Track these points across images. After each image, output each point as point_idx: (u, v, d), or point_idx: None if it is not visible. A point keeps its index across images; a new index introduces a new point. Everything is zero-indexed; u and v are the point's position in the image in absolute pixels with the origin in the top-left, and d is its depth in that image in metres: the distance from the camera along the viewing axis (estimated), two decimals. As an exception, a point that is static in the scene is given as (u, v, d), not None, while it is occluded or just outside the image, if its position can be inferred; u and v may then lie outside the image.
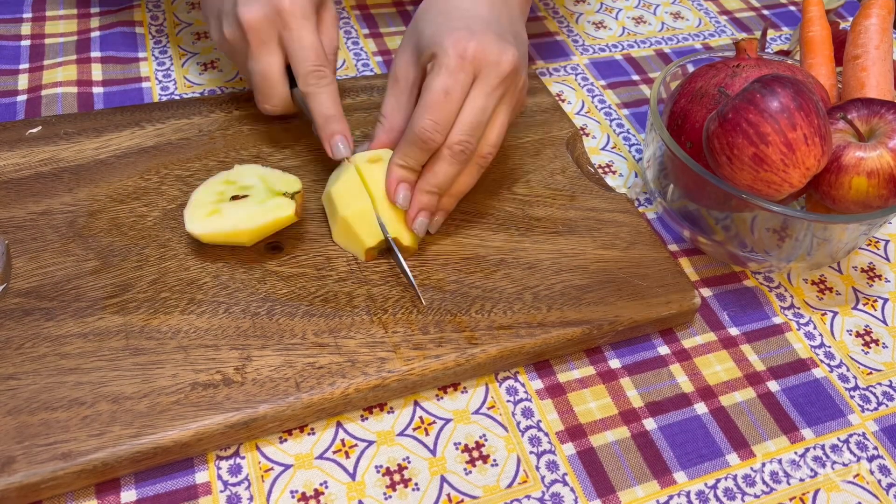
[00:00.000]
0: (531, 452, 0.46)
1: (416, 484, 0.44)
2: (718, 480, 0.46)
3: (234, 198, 0.50)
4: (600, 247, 0.54)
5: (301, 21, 0.51)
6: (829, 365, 0.52)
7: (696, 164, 0.50)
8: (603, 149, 0.66)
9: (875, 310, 0.56)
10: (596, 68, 0.73)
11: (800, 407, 0.49)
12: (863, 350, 0.53)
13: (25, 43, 0.68)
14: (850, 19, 0.80)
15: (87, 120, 0.58)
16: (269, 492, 0.43)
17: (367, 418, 0.46)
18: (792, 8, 0.85)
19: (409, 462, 0.45)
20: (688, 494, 0.45)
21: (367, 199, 0.50)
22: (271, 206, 0.49)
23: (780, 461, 0.47)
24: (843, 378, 0.51)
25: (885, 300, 0.57)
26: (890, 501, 0.46)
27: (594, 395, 0.49)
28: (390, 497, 0.43)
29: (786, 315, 0.55)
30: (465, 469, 0.45)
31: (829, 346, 0.53)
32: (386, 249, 0.51)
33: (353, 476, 0.44)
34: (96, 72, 0.65)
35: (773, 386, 0.50)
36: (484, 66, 0.48)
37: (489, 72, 0.48)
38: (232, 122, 0.60)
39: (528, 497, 0.44)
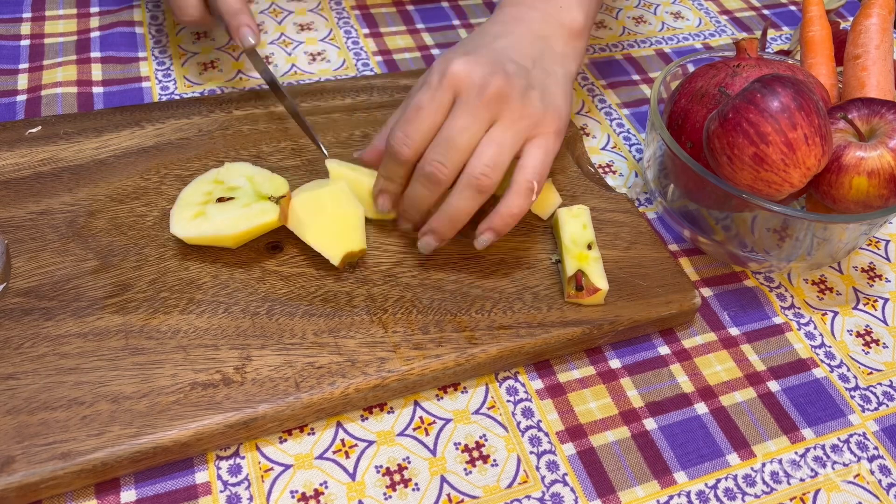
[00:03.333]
0: (531, 452, 0.46)
1: (416, 484, 0.44)
2: (719, 480, 0.46)
3: (221, 200, 0.50)
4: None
5: None
6: (829, 365, 0.52)
7: (697, 164, 0.50)
8: (603, 148, 0.66)
9: (875, 310, 0.56)
10: (596, 68, 0.73)
11: (800, 407, 0.49)
12: (863, 350, 0.53)
13: (25, 43, 0.68)
14: (851, 19, 0.79)
15: (86, 120, 0.58)
16: (269, 492, 0.43)
17: (367, 418, 0.46)
18: (792, 8, 0.85)
19: (409, 462, 0.45)
20: (688, 494, 0.45)
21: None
22: (256, 211, 0.49)
23: (780, 461, 0.47)
24: (844, 378, 0.51)
25: (886, 300, 0.57)
26: (890, 501, 0.46)
27: (594, 395, 0.49)
28: (390, 497, 0.43)
29: (786, 315, 0.55)
30: (465, 469, 0.45)
31: (830, 346, 0.53)
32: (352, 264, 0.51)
33: (353, 476, 0.44)
34: (96, 72, 0.65)
35: (773, 386, 0.50)
36: (465, 87, 0.46)
37: (470, 93, 0.46)
38: (232, 122, 0.59)
39: (528, 497, 0.44)
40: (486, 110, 0.46)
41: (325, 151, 0.57)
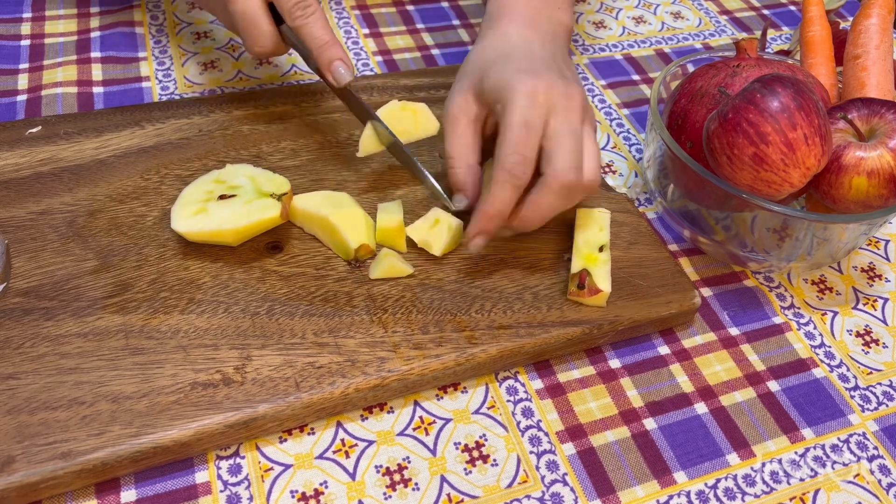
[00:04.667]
0: (531, 452, 0.46)
1: (416, 484, 0.44)
2: (718, 480, 0.46)
3: (223, 197, 0.50)
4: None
5: None
6: (829, 365, 0.52)
7: (696, 164, 0.50)
8: (603, 149, 0.66)
9: (875, 310, 0.56)
10: (596, 68, 0.73)
11: (800, 407, 0.49)
12: (863, 350, 0.53)
13: (25, 43, 0.68)
14: (850, 19, 0.79)
15: (87, 120, 0.58)
16: (269, 492, 0.43)
17: (367, 418, 0.46)
18: (792, 8, 0.85)
19: (409, 462, 0.45)
20: (688, 494, 0.45)
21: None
22: (257, 207, 0.49)
23: (780, 461, 0.47)
24: (844, 378, 0.51)
25: (886, 300, 0.57)
26: (890, 501, 0.46)
27: (594, 394, 0.49)
28: (390, 497, 0.43)
29: (786, 315, 0.55)
30: (465, 469, 0.45)
31: (830, 346, 0.53)
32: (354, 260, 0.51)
33: (353, 476, 0.44)
34: (96, 72, 0.65)
35: (773, 386, 0.50)
36: (556, 102, 0.48)
37: (564, 106, 0.48)
38: (232, 122, 0.60)
39: (528, 497, 0.44)
40: (579, 116, 0.49)
41: (451, 205, 0.52)
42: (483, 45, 0.53)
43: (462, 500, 0.43)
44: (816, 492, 0.46)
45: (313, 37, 0.52)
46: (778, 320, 0.54)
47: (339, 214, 0.50)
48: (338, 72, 0.52)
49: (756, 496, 0.45)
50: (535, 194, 0.47)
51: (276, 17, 0.53)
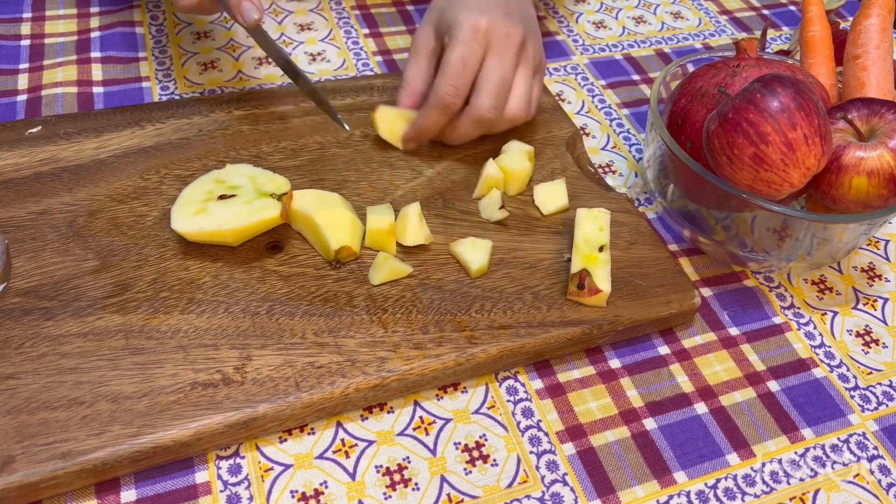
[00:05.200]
0: (531, 452, 0.46)
1: (416, 484, 0.44)
2: (718, 480, 0.46)
3: (223, 197, 0.50)
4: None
5: None
6: (829, 365, 0.52)
7: (696, 164, 0.50)
8: (603, 149, 0.66)
9: (875, 310, 0.56)
10: (596, 68, 0.73)
11: (800, 407, 0.49)
12: (863, 350, 0.53)
13: (25, 43, 0.68)
14: (850, 19, 0.79)
15: (87, 120, 0.58)
16: (269, 492, 0.43)
17: (367, 418, 0.46)
18: (792, 8, 0.85)
19: (409, 462, 0.45)
20: (688, 494, 0.45)
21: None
22: (257, 207, 0.49)
23: (780, 461, 0.47)
24: (843, 378, 0.51)
25: (885, 300, 0.57)
26: (890, 501, 0.46)
27: (594, 394, 0.49)
28: (390, 497, 0.43)
29: (786, 315, 0.55)
30: (465, 469, 0.45)
31: (829, 346, 0.53)
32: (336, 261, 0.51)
33: (353, 476, 0.44)
34: (96, 72, 0.65)
35: (773, 386, 0.50)
36: (495, 39, 0.55)
37: (500, 43, 0.55)
38: (232, 122, 0.60)
39: (528, 497, 0.44)
40: (514, 56, 0.56)
41: (346, 126, 0.59)
42: None
43: (462, 500, 0.43)
44: (816, 492, 0.46)
45: None
46: (778, 320, 0.54)
47: (323, 214, 0.50)
48: (246, 12, 0.54)
49: (756, 496, 0.45)
50: (458, 120, 0.56)
51: None
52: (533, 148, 0.58)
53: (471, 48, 0.54)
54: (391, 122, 0.58)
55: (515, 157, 0.57)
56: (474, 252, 0.51)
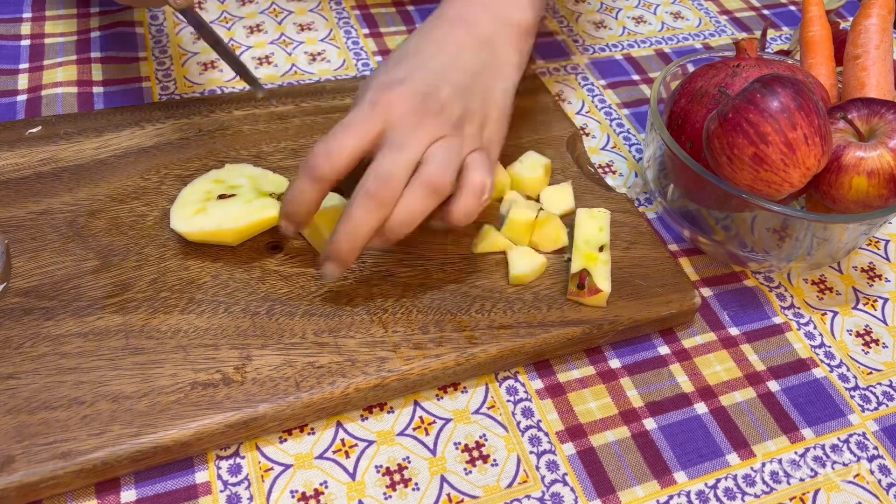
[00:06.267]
0: (531, 452, 0.46)
1: (416, 484, 0.44)
2: (718, 480, 0.46)
3: (222, 197, 0.50)
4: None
5: None
6: (829, 365, 0.52)
7: (696, 164, 0.50)
8: (603, 149, 0.66)
9: (875, 310, 0.56)
10: (596, 68, 0.73)
11: (800, 407, 0.49)
12: (863, 350, 0.53)
13: (25, 43, 0.68)
14: (851, 19, 0.79)
15: (87, 120, 0.58)
16: (269, 492, 0.43)
17: (367, 418, 0.46)
18: (792, 8, 0.85)
19: (409, 462, 0.45)
20: (688, 494, 0.45)
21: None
22: (257, 207, 0.49)
23: (780, 461, 0.47)
24: (843, 378, 0.51)
25: (886, 300, 0.57)
26: (890, 501, 0.46)
27: (594, 394, 0.49)
28: (390, 497, 0.43)
29: (786, 315, 0.55)
30: (465, 469, 0.45)
31: (829, 346, 0.53)
32: None
33: (353, 476, 0.44)
34: (96, 72, 0.65)
35: (773, 386, 0.50)
36: (396, 123, 0.45)
37: (398, 132, 0.45)
38: (232, 122, 0.60)
39: (528, 497, 0.44)
40: (418, 144, 0.45)
41: (262, 87, 0.51)
42: (407, 44, 0.51)
43: (462, 500, 0.43)
44: (816, 492, 0.46)
45: None
46: (778, 320, 0.54)
47: (323, 214, 0.50)
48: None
49: (756, 496, 0.45)
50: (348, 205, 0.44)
51: None
52: (550, 162, 0.58)
53: (364, 119, 0.45)
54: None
55: (528, 166, 0.56)
56: (522, 260, 0.51)
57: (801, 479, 0.46)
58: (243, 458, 0.44)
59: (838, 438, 0.48)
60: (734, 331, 0.53)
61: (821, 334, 0.54)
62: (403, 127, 0.45)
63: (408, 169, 0.44)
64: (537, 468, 0.45)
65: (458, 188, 0.46)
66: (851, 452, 0.48)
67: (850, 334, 0.54)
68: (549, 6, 0.81)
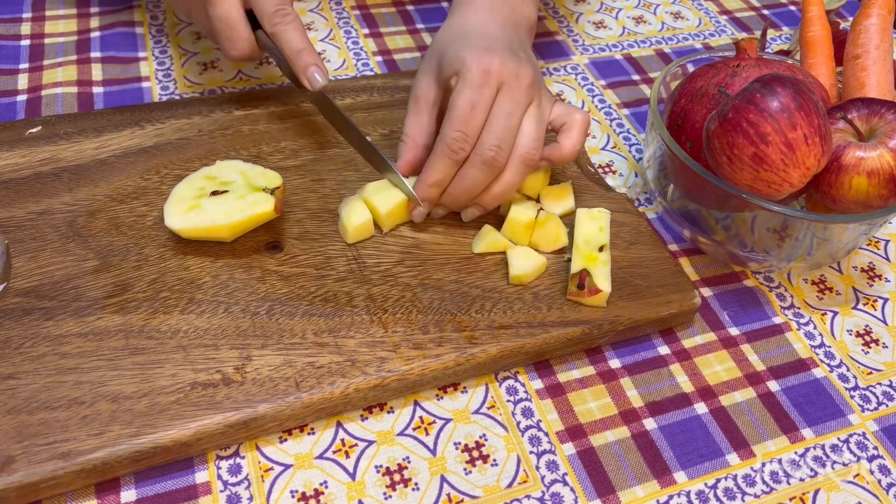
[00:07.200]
0: (531, 452, 0.46)
1: (416, 484, 0.44)
2: (718, 480, 0.46)
3: (215, 193, 0.50)
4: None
5: None
6: (829, 365, 0.52)
7: (696, 164, 0.50)
8: (603, 149, 0.66)
9: (875, 310, 0.56)
10: (596, 68, 0.73)
11: (800, 407, 0.49)
12: (863, 350, 0.53)
13: (25, 43, 0.68)
14: (851, 19, 0.79)
15: (87, 120, 0.58)
16: (269, 492, 0.43)
17: (367, 418, 0.46)
18: (792, 8, 0.85)
19: (409, 462, 0.45)
20: (688, 494, 0.45)
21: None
22: (250, 202, 0.49)
23: (780, 461, 0.47)
24: (843, 378, 0.51)
25: (885, 300, 0.57)
26: (890, 501, 0.46)
27: (594, 394, 0.49)
28: (390, 497, 0.43)
29: (786, 315, 0.55)
30: (465, 469, 0.45)
31: (829, 346, 0.53)
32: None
33: (353, 476, 0.44)
34: (96, 72, 0.65)
35: (773, 386, 0.50)
36: (506, 80, 0.50)
37: (511, 84, 0.50)
38: (232, 122, 0.60)
39: (528, 497, 0.44)
40: (526, 98, 0.51)
41: (414, 195, 0.53)
42: (444, 29, 0.56)
43: (462, 500, 0.43)
44: (816, 492, 0.46)
45: (290, 42, 0.53)
46: (778, 320, 0.54)
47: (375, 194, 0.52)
48: (313, 77, 0.53)
49: (756, 496, 0.45)
50: (463, 168, 0.51)
51: (253, 23, 0.54)
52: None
53: (480, 91, 0.49)
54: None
55: None
56: (521, 259, 0.51)
57: (801, 479, 0.46)
58: (243, 458, 0.44)
59: (838, 438, 0.48)
60: (734, 331, 0.53)
61: (821, 334, 0.54)
62: (512, 87, 0.50)
63: (515, 137, 0.51)
64: (537, 468, 0.45)
65: (562, 130, 0.53)
66: (851, 452, 0.48)
67: (850, 334, 0.54)
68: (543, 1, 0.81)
